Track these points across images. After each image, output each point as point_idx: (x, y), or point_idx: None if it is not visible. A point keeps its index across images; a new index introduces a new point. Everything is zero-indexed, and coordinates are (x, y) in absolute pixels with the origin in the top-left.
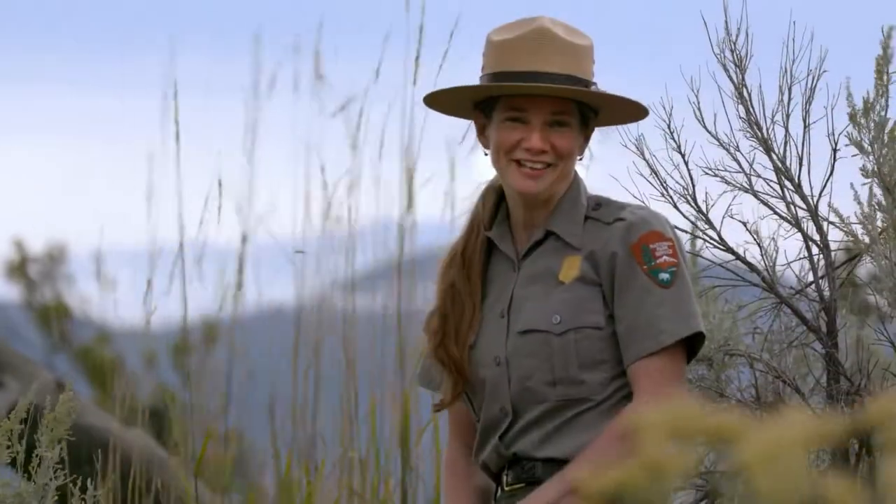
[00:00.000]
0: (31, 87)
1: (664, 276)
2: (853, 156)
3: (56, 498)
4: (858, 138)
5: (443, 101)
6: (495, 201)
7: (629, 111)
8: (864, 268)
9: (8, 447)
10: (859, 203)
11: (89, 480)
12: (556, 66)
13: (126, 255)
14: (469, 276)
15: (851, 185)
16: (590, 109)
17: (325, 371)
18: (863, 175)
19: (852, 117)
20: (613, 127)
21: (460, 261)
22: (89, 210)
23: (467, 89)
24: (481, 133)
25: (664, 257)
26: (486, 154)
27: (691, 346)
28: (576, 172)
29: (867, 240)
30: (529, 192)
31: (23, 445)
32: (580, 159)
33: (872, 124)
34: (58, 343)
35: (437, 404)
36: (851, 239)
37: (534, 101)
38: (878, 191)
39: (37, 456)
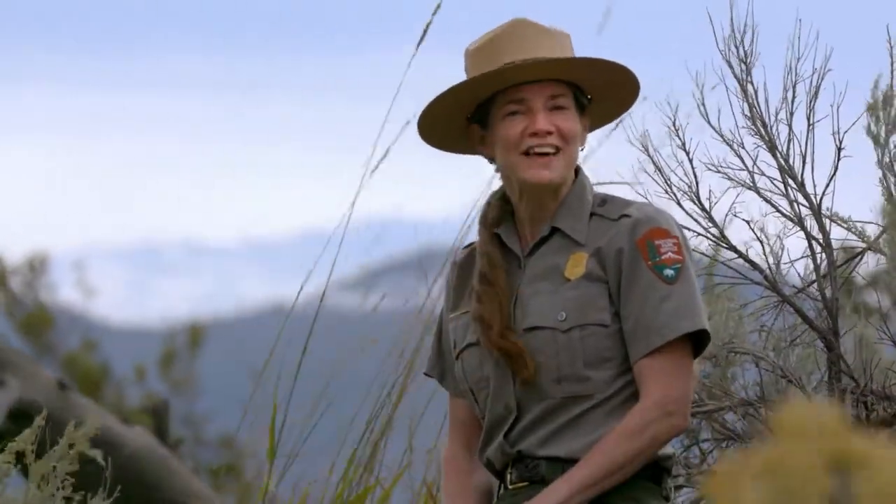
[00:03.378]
0: (22, 87)
1: (669, 272)
2: (866, 151)
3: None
4: (875, 131)
5: (436, 125)
6: (503, 202)
7: (621, 91)
8: (866, 267)
9: (17, 460)
10: (889, 195)
11: (99, 489)
12: (544, 50)
13: (114, 255)
14: (494, 266)
15: (882, 177)
16: (584, 96)
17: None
18: (878, 167)
19: (871, 108)
20: (615, 124)
21: (491, 257)
22: (76, 210)
23: (463, 87)
24: (481, 144)
25: (669, 254)
26: (491, 163)
27: (698, 343)
28: (581, 169)
29: (873, 236)
30: (543, 182)
31: (33, 456)
32: (582, 149)
33: (890, 116)
34: (44, 351)
35: (524, 378)
36: (857, 237)
37: (530, 89)
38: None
39: (48, 468)
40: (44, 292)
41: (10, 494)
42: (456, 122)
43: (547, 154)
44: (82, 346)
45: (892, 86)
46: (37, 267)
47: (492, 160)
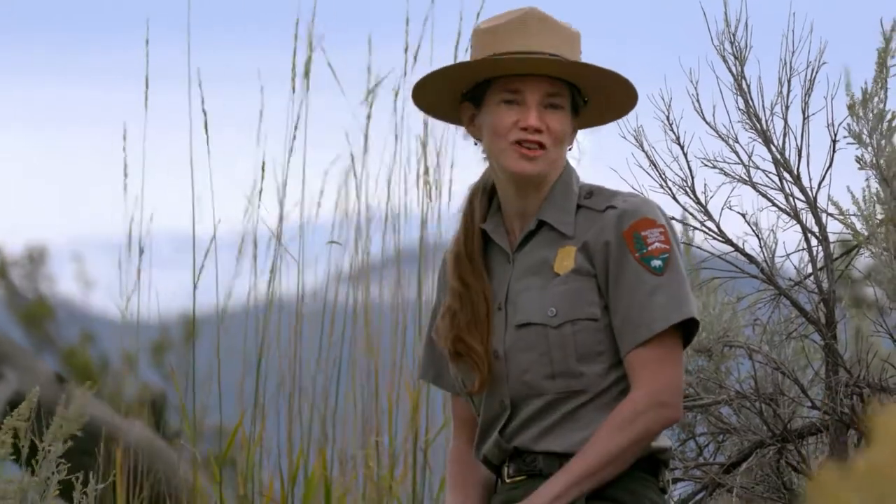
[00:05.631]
0: (15, 78)
1: (656, 262)
2: (849, 143)
3: (58, 491)
4: (858, 130)
5: (430, 92)
6: (488, 196)
7: (618, 99)
8: (863, 260)
9: (13, 443)
10: (856, 202)
11: (91, 474)
12: (549, 46)
13: (109, 247)
14: (476, 272)
15: (848, 187)
16: (580, 97)
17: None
18: (860, 166)
19: (851, 108)
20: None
21: (466, 258)
22: (69, 203)
23: (460, 67)
24: (470, 123)
25: (656, 244)
26: (476, 144)
27: (687, 332)
28: (567, 161)
29: (866, 232)
30: (525, 173)
31: (27, 441)
32: (570, 149)
33: (871, 115)
34: (43, 343)
35: (469, 391)
36: (850, 231)
37: (528, 82)
38: (875, 183)
39: (42, 450)
40: (43, 284)
41: (6, 477)
42: (450, 94)
43: (533, 149)
44: (81, 339)
45: (882, 79)
46: (36, 258)
47: (478, 141)
